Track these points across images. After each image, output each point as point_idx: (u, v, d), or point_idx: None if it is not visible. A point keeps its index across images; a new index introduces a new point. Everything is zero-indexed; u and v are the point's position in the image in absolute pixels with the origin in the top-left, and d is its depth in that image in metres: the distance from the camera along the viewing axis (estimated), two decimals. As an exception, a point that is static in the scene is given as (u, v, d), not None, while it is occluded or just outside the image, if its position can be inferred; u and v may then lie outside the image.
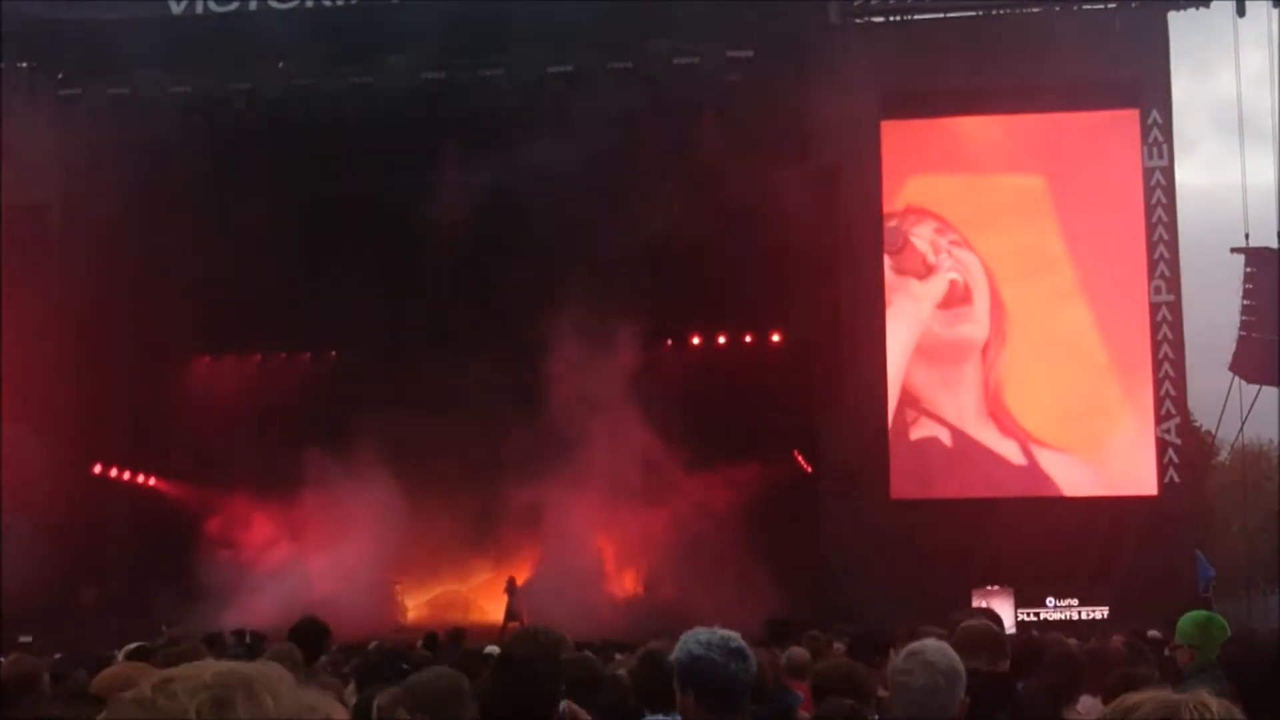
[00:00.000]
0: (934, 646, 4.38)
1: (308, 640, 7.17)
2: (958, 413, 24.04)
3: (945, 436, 24.02)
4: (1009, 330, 24.04)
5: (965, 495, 23.63)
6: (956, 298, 24.23)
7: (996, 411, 23.91)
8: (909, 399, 24.08)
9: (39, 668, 6.39)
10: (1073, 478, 23.68)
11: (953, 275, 24.30)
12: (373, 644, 14.47)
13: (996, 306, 24.13)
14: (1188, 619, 6.72)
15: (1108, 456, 23.70)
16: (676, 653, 4.43)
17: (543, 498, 26.82)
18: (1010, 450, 23.79)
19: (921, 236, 24.42)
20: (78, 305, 25.86)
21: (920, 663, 4.29)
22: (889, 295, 24.26)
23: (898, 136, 24.69)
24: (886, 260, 24.35)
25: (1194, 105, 51.04)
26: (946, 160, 24.68)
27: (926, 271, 24.40)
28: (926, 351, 24.19)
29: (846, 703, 5.66)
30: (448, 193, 26.45)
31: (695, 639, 4.39)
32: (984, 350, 24.10)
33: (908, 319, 24.28)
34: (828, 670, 6.52)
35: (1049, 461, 23.74)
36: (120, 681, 4.82)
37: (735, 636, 4.41)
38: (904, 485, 23.94)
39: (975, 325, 24.16)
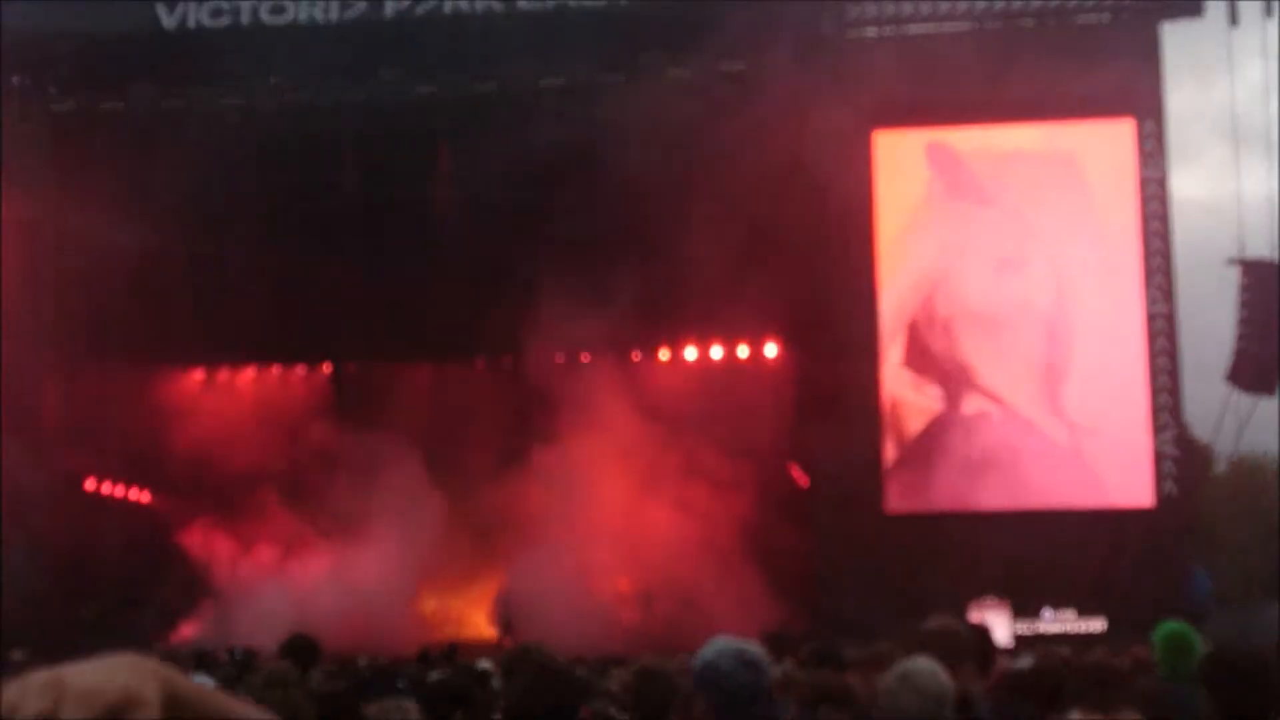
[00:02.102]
0: (925, 670, 4.37)
1: (297, 656, 7.14)
2: (1010, 386, 23.96)
3: (995, 413, 23.94)
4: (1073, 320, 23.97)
5: (966, 508, 23.59)
6: (1008, 257, 24.12)
7: (1053, 398, 23.84)
8: (960, 372, 23.96)
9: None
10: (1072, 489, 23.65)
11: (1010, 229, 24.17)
12: (363, 660, 14.42)
13: (1060, 286, 24.05)
14: (1158, 632, 6.79)
15: (1104, 468, 23.68)
16: (696, 659, 4.52)
17: (536, 512, 26.76)
18: (1061, 437, 23.72)
19: (980, 171, 24.36)
20: (71, 320, 25.83)
21: (910, 688, 4.28)
22: (931, 213, 24.19)
23: (897, 147, 24.76)
24: (937, 177, 24.30)
25: (1199, 117, 51.16)
26: (946, 168, 24.71)
27: (981, 199, 24.27)
28: (976, 318, 24.10)
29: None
30: (441, 206, 26.47)
31: (713, 646, 4.50)
32: (1047, 327, 24.02)
33: (939, 243, 24.26)
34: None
35: (1098, 462, 23.67)
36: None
37: (752, 647, 4.48)
38: (944, 481, 23.79)
39: (1034, 287, 24.01)
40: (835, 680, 6.14)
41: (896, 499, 24.08)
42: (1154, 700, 5.91)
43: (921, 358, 24.23)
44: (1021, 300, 24.13)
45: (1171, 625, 6.88)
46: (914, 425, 24.18)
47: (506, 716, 4.82)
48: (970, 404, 23.96)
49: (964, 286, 24.25)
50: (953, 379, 24.08)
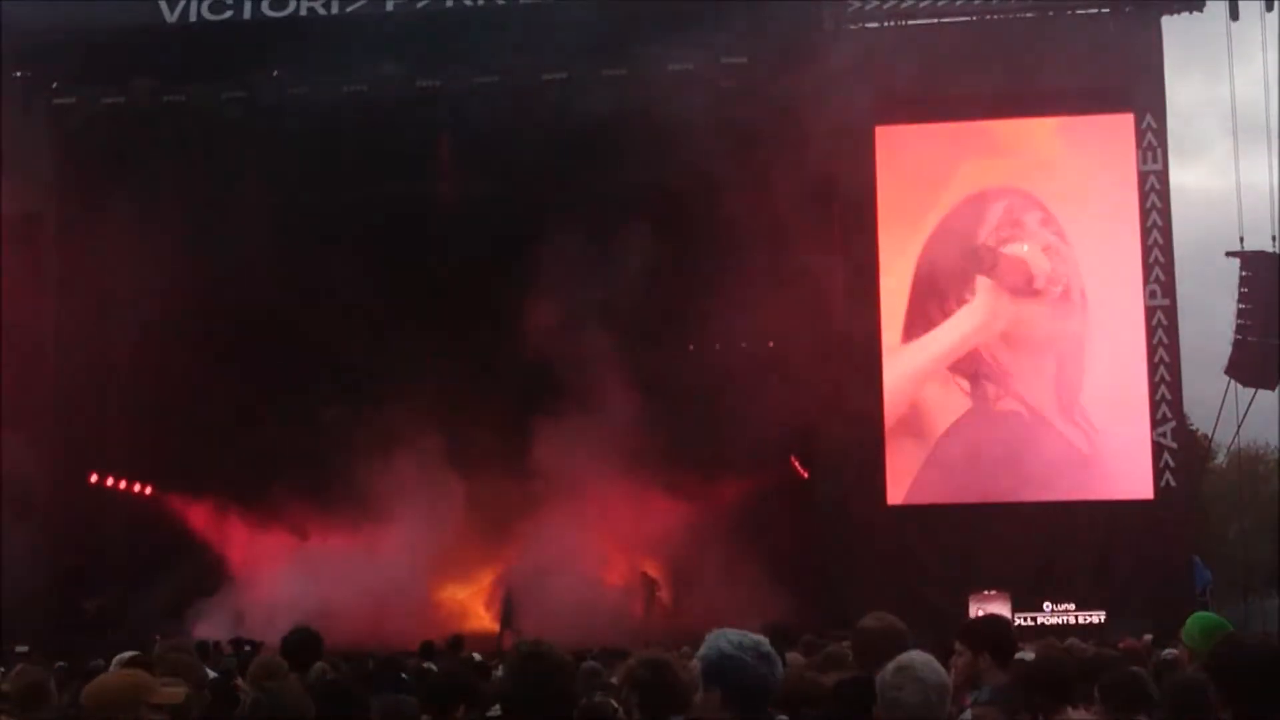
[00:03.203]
0: (922, 661, 4.38)
1: (300, 650, 7.16)
2: (1019, 383, 23.98)
3: (1025, 413, 23.98)
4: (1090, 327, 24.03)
5: (968, 500, 23.59)
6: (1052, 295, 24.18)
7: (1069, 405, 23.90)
8: (993, 373, 24.05)
9: (45, 678, 6.38)
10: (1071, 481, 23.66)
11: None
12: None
13: (1060, 277, 24.09)
14: (1193, 620, 6.75)
15: (1104, 460, 23.69)
16: (705, 650, 4.45)
17: (538, 506, 26.81)
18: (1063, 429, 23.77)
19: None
20: (73, 314, 25.86)
21: (910, 678, 4.29)
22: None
23: (901, 139, 24.76)
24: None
25: (1202, 110, 51.12)
26: (950, 160, 24.70)
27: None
28: (1014, 340, 24.14)
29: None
30: (443, 201, 26.49)
31: (725, 638, 4.43)
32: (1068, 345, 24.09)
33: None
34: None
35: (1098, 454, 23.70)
36: (110, 692, 4.79)
37: (765, 641, 4.45)
38: (975, 481, 23.72)
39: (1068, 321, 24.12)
40: (812, 681, 6.15)
41: (899, 492, 24.07)
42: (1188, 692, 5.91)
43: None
44: (1021, 298, 24.14)
45: (1203, 614, 6.87)
46: (935, 424, 24.16)
47: (504, 710, 4.82)
48: (984, 402, 23.96)
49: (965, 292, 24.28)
50: (958, 378, 24.12)
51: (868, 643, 5.40)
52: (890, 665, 4.43)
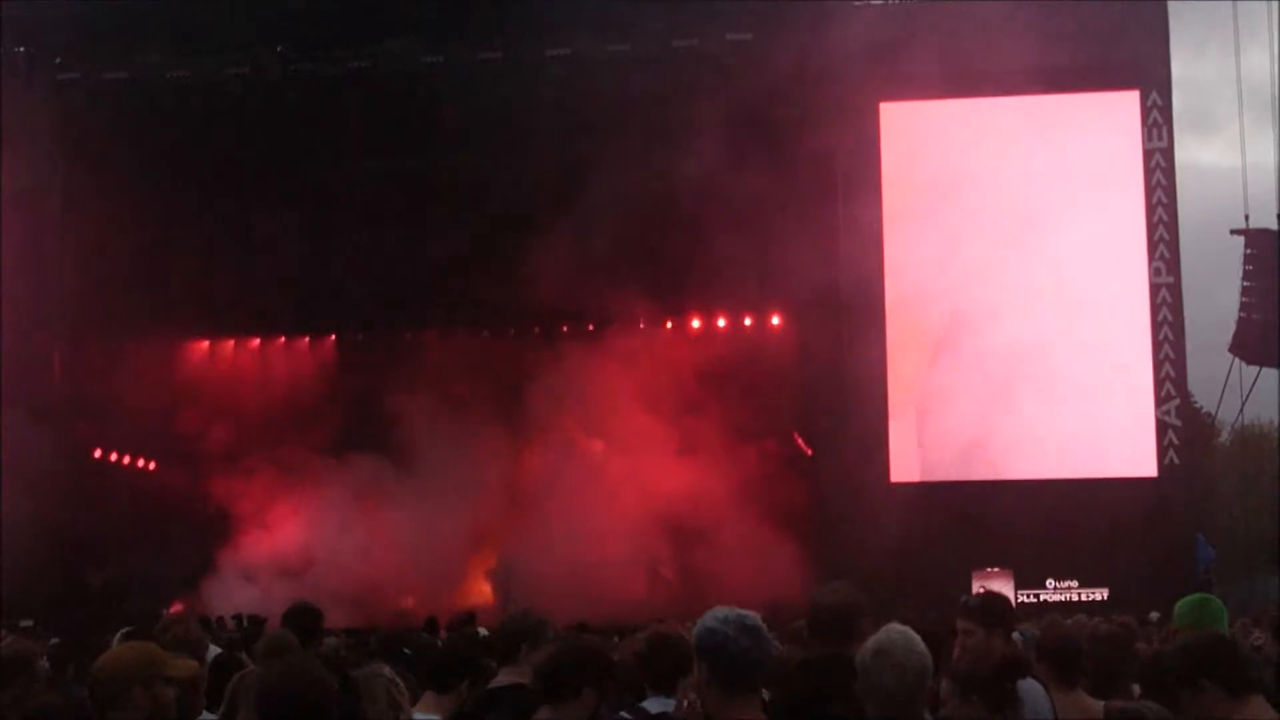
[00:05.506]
0: (902, 644, 4.33)
1: (300, 625, 7.21)
2: (1016, 361, 23.85)
3: (1003, 387, 23.95)
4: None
5: (971, 478, 23.61)
6: (1011, 235, 24.17)
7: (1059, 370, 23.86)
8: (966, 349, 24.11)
9: (34, 651, 6.37)
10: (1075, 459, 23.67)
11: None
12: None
13: (1063, 259, 24.07)
14: (1184, 602, 6.75)
15: (1107, 438, 23.67)
16: (695, 627, 4.51)
17: (542, 483, 26.82)
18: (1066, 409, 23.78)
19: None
20: (77, 289, 25.86)
21: (890, 664, 4.25)
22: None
23: (905, 115, 24.71)
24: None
25: (1222, 87, 50.89)
26: (950, 141, 24.65)
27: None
28: (983, 298, 24.19)
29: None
30: (446, 176, 26.47)
31: (713, 615, 4.49)
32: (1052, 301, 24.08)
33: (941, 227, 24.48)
34: None
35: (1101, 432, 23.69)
36: (124, 664, 4.78)
37: (753, 616, 4.48)
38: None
39: (1036, 262, 24.13)
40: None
41: (903, 469, 24.09)
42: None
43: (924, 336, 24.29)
44: (1025, 277, 24.09)
45: (1195, 595, 6.88)
46: (938, 401, 24.17)
47: (539, 684, 4.93)
48: (978, 379, 23.93)
49: (970, 269, 24.22)
50: (961, 356, 24.11)
51: (823, 621, 5.29)
52: (870, 647, 4.37)
